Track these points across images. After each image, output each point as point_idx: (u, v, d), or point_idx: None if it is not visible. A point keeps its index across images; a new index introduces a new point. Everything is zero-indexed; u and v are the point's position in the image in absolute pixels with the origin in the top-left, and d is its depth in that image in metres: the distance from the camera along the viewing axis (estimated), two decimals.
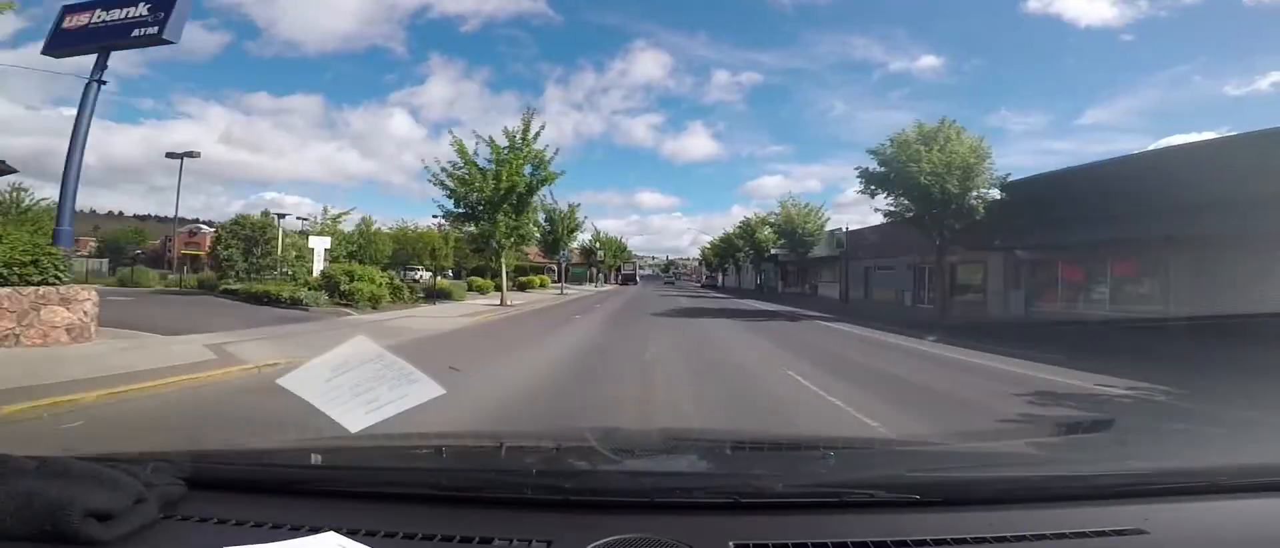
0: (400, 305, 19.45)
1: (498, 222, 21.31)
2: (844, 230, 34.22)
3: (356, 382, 1.49)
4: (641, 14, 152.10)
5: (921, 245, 27.94)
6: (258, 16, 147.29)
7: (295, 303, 17.17)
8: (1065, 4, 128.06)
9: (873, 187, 22.79)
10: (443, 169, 21.57)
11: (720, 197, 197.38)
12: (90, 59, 11.48)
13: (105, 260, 48.03)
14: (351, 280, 18.13)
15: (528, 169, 22.41)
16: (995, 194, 20.86)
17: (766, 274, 56.75)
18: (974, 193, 20.93)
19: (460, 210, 22.07)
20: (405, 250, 70.88)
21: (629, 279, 76.30)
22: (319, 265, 20.22)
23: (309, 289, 18.01)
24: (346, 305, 17.62)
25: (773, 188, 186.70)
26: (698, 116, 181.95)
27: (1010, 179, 21.43)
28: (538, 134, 22.34)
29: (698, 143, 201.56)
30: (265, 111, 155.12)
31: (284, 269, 21.84)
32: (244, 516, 1.09)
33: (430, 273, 63.52)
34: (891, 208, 22.96)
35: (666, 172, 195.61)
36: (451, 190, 21.49)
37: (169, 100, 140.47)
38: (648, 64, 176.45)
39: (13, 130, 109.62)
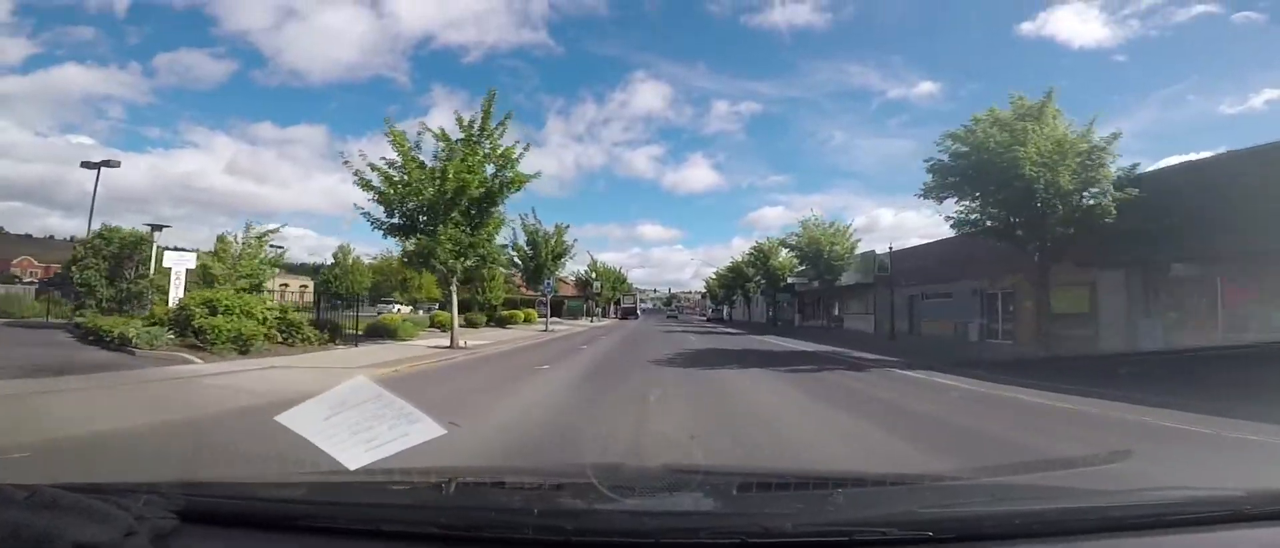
0: (297, 349, 13.65)
1: (440, 235, 15.58)
2: (887, 252, 28.35)
3: (355, 421, 1.50)
4: (641, 45, 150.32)
5: (992, 266, 22.17)
6: (264, 46, 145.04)
7: (123, 342, 11.74)
8: (1058, 26, 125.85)
9: (947, 187, 17.19)
10: (370, 165, 16.02)
11: (721, 228, 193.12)
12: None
13: (33, 286, 42.71)
14: (212, 314, 12.38)
15: (490, 169, 16.88)
16: (1117, 191, 15.14)
17: (780, 306, 50.81)
18: (1094, 189, 15.30)
19: (396, 221, 16.42)
20: (389, 282, 64.65)
21: (629, 313, 70.11)
22: (176, 293, 14.47)
23: (146, 325, 12.33)
24: (197, 348, 11.87)
25: (773, 218, 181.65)
26: (698, 147, 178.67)
27: (1138, 171, 15.85)
28: (504, 124, 16.86)
29: (698, 174, 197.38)
30: (270, 142, 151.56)
31: (151, 297, 16.16)
32: None
33: (410, 306, 57.96)
34: (970, 215, 17.28)
35: (667, 203, 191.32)
36: (380, 193, 15.87)
37: (176, 129, 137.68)
38: (648, 95, 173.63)
39: (19, 156, 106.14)
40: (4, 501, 0.97)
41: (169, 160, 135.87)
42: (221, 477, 2.71)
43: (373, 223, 16.32)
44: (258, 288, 21.94)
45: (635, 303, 79.96)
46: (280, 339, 14.08)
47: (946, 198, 17.72)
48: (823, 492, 1.84)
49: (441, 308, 52.00)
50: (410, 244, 16.19)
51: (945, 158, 16.70)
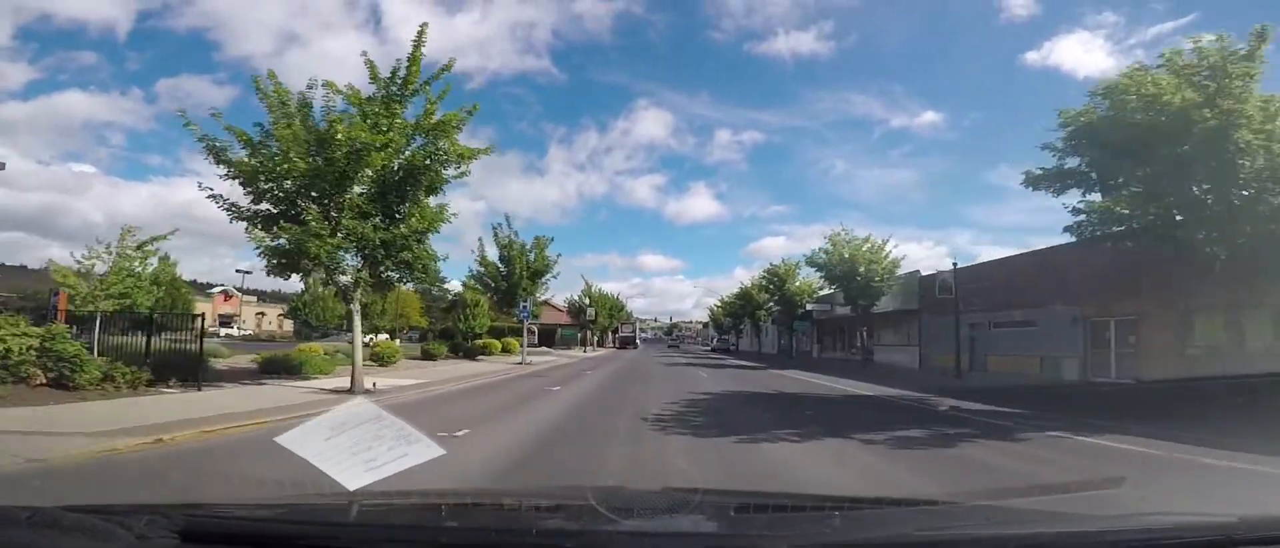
0: (77, 395, 8.24)
1: (309, 219, 10.23)
2: (950, 270, 22.69)
3: (355, 442, 1.52)
4: (644, 74, 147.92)
5: (1103, 286, 16.83)
6: (263, 70, 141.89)
7: None
8: (1063, 56, 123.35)
9: (1066, 177, 12.12)
10: (228, 127, 10.78)
11: (722, 258, 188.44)
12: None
13: None
14: None
15: (418, 141, 11.63)
16: None
17: (796, 335, 45.05)
18: None
19: (265, 208, 11.06)
20: (366, 308, 58.79)
21: (627, 342, 65.30)
22: None
23: None
24: None
25: (775, 248, 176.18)
26: (700, 177, 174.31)
27: None
28: (443, 80, 11.74)
29: (700, 204, 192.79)
30: None
31: None
32: None
33: (386, 335, 52.32)
34: (1112, 209, 12.01)
35: (669, 234, 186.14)
36: (236, 165, 10.55)
37: (176, 157, 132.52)
38: (650, 124, 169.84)
39: (23, 185, 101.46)
40: (6, 521, 0.96)
41: (169, 189, 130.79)
42: (222, 499, 2.64)
43: (231, 212, 10.95)
44: (130, 309, 16.74)
45: (634, 331, 74.76)
46: (44, 379, 8.66)
47: (1069, 188, 12.53)
48: (819, 514, 1.83)
49: (422, 338, 46.36)
50: (269, 237, 10.77)
51: (1061, 139, 11.54)
